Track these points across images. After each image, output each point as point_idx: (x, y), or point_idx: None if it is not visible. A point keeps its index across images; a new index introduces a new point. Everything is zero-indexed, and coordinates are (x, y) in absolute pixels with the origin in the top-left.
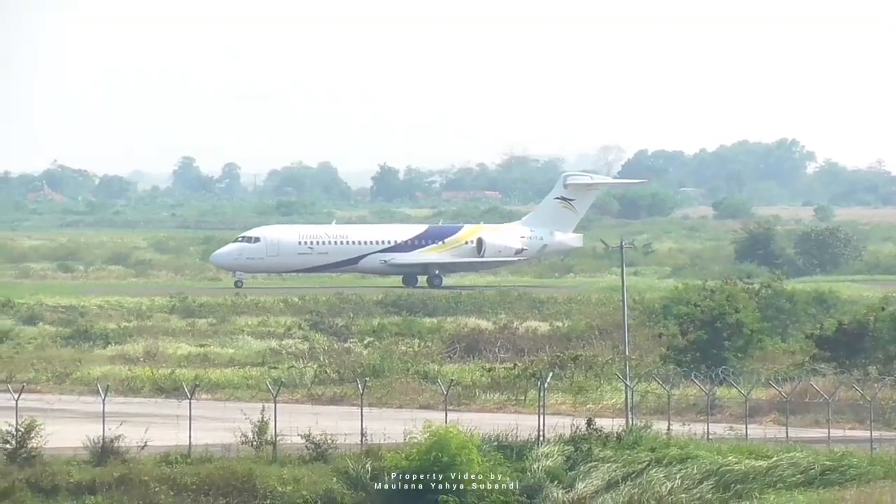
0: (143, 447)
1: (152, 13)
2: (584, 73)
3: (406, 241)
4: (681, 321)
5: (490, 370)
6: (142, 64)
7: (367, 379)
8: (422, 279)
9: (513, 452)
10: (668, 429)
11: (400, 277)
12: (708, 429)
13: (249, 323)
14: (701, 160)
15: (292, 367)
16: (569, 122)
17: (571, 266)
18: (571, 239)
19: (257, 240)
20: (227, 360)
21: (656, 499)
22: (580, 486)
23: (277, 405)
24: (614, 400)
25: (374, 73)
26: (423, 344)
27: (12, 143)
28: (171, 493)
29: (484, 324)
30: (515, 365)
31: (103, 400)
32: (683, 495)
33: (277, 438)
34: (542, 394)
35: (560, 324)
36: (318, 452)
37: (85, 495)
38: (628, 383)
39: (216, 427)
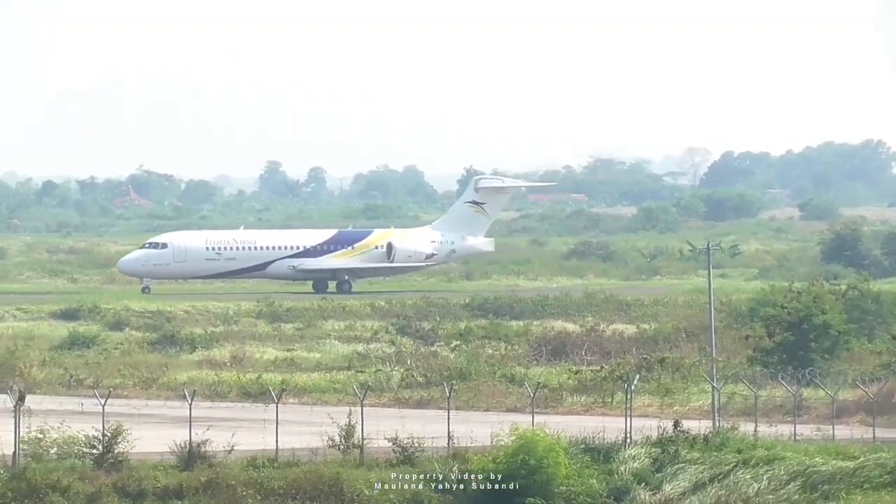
0: (229, 451)
1: (240, 20)
2: (671, 75)
3: (315, 247)
4: (767, 323)
5: (577, 373)
6: (228, 70)
7: (454, 382)
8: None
9: (600, 455)
10: (755, 430)
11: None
12: (795, 430)
13: (336, 327)
14: (787, 161)
15: (379, 370)
16: (655, 124)
17: (658, 268)
18: (482, 243)
19: (164, 246)
20: (314, 365)
21: (743, 500)
22: (667, 487)
23: (364, 409)
24: (701, 402)
25: (462, 76)
26: (509, 347)
27: (99, 148)
28: (258, 498)
29: (571, 326)
30: (602, 367)
31: (190, 404)
32: (770, 497)
33: (364, 442)
34: (628, 396)
35: (647, 326)
36: (405, 456)
37: (172, 500)
38: (715, 385)
39: (303, 431)
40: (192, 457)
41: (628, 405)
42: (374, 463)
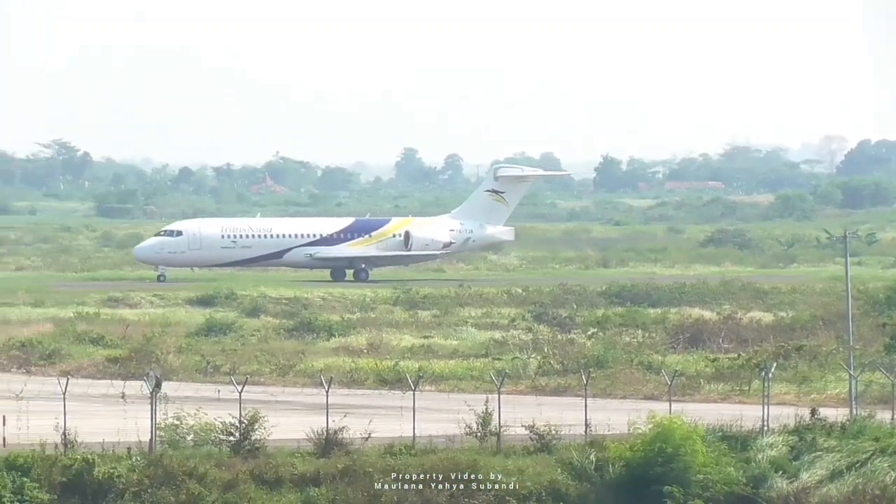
0: (366, 438)
1: (379, 9)
2: (808, 63)
3: (332, 235)
4: None
5: (714, 360)
6: (366, 56)
7: (591, 370)
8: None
9: (737, 443)
10: (893, 418)
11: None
12: None
13: (473, 314)
14: None
15: (516, 358)
16: (792, 112)
17: (795, 256)
18: (502, 232)
19: (179, 233)
20: (451, 352)
21: (881, 488)
22: (804, 476)
23: (501, 396)
24: (838, 390)
25: (598, 63)
26: (646, 335)
27: (235, 135)
28: (395, 485)
29: (707, 314)
30: (739, 355)
31: (327, 391)
32: None
33: (501, 429)
34: (766, 384)
35: (784, 314)
36: (542, 443)
37: (308, 487)
38: (852, 373)
39: (440, 418)
40: (328, 444)
41: (765, 393)
42: (510, 450)
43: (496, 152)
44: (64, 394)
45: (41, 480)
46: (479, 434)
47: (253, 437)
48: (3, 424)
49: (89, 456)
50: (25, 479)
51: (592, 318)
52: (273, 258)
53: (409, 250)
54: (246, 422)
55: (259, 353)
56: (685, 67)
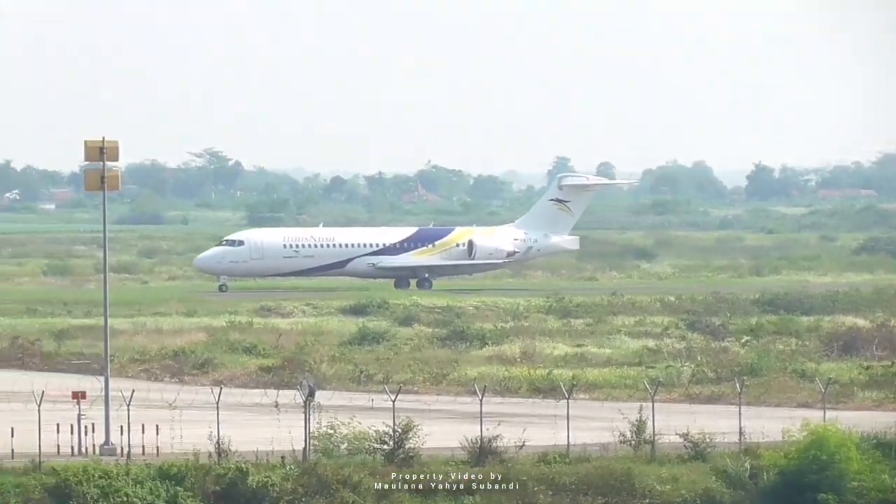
0: (520, 447)
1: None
2: None
3: (395, 244)
4: None
5: (867, 368)
6: (515, 64)
7: (745, 378)
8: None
9: (892, 450)
10: None
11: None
12: None
13: (626, 323)
14: None
15: (669, 366)
16: None
17: None
18: (567, 241)
19: (241, 243)
20: (604, 360)
21: None
22: None
23: (655, 404)
24: None
25: (749, 71)
26: (800, 342)
27: (388, 143)
28: (550, 493)
29: (861, 322)
30: (893, 363)
31: (480, 400)
32: None
33: (655, 437)
34: None
35: None
36: (697, 451)
37: (463, 496)
38: None
39: (594, 427)
40: (482, 452)
41: None
42: (665, 458)
43: (648, 161)
44: (217, 403)
45: (194, 489)
46: (633, 442)
47: (407, 446)
48: (157, 434)
49: (243, 465)
50: (179, 488)
51: (745, 326)
52: (336, 268)
53: (473, 259)
54: (399, 430)
55: (412, 362)
56: (836, 74)
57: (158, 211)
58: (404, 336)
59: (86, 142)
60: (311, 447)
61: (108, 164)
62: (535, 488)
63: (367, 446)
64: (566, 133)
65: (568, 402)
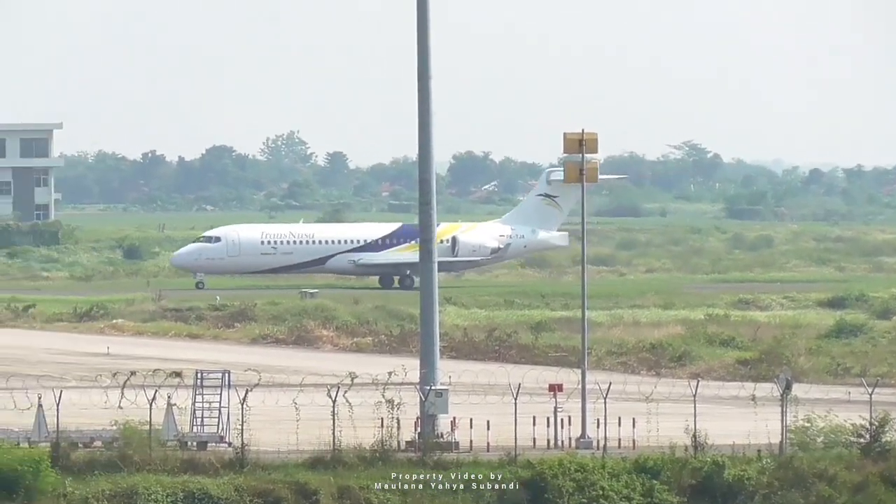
0: None
1: None
2: None
3: (376, 241)
4: None
5: None
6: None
7: None
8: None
9: None
10: None
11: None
12: None
13: None
14: None
15: None
16: None
17: None
18: (555, 237)
19: (217, 239)
20: None
21: None
22: None
23: None
24: None
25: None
26: None
27: (869, 136)
28: None
29: None
30: None
31: None
32: None
33: None
34: None
35: None
36: None
37: None
38: None
39: None
40: None
41: None
42: None
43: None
44: (694, 396)
45: (670, 483)
46: None
47: (883, 440)
48: (633, 427)
49: (719, 458)
50: (655, 481)
51: None
52: (315, 265)
53: (456, 256)
54: (876, 423)
55: (890, 355)
56: None
57: (636, 203)
58: (882, 329)
59: (565, 134)
60: (787, 440)
61: (587, 156)
62: None
63: (843, 439)
64: None
65: None
